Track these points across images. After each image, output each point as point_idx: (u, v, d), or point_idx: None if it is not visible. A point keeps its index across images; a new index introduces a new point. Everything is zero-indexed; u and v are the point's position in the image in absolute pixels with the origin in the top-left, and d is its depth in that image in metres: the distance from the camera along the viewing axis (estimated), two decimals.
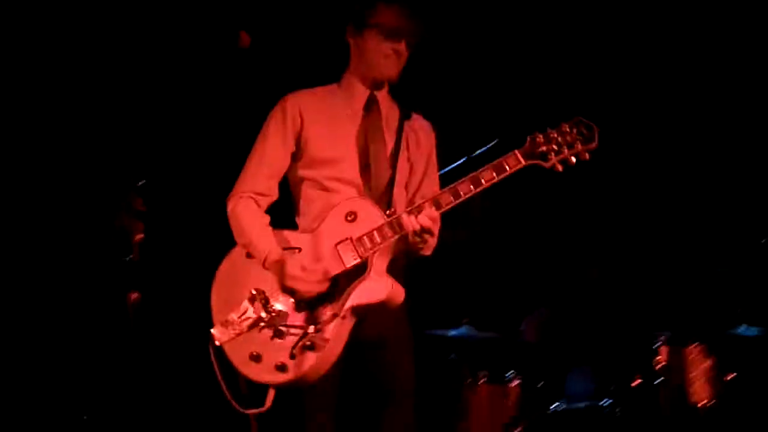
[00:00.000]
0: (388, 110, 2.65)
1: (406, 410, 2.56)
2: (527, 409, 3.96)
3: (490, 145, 3.59)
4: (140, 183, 2.46)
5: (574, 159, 2.35)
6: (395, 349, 2.57)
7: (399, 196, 2.59)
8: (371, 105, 2.63)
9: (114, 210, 2.43)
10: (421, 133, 2.69)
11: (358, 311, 2.42)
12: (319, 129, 2.57)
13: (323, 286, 2.40)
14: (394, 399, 2.54)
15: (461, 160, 3.68)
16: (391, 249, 2.47)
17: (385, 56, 2.53)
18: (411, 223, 2.38)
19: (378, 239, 2.41)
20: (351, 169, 2.55)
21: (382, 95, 2.66)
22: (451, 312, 4.27)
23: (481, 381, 4.02)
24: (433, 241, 2.51)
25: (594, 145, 2.33)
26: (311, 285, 2.40)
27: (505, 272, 4.74)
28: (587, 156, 2.34)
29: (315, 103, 2.61)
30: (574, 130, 2.36)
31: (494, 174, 2.38)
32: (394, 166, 2.57)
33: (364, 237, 2.42)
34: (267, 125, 2.59)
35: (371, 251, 2.41)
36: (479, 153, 3.73)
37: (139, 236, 2.38)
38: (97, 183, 4.04)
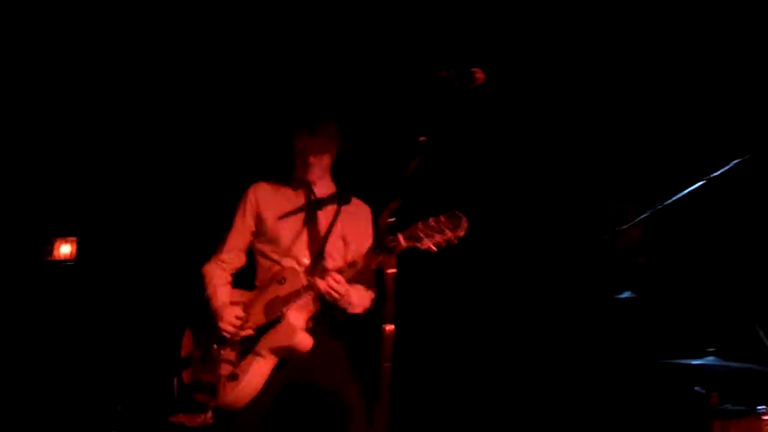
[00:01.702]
0: (327, 197, 3.34)
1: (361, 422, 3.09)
2: None
3: (731, 165, 3.44)
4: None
5: (443, 243, 2.78)
6: (331, 379, 3.19)
7: (330, 264, 3.21)
8: (310, 195, 3.36)
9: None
10: (358, 213, 3.36)
11: (274, 352, 3.09)
12: (270, 213, 3.34)
13: (248, 332, 3.16)
14: (352, 412, 3.11)
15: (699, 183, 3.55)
16: (308, 307, 3.13)
17: (302, 164, 3.30)
18: (322, 285, 3.05)
19: (295, 298, 3.10)
20: (291, 245, 3.27)
21: (322, 186, 3.37)
22: (694, 341, 4.08)
23: (731, 414, 3.77)
24: (352, 300, 3.16)
25: (461, 233, 2.75)
26: (237, 330, 3.18)
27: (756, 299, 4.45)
28: (455, 241, 2.77)
29: (270, 192, 3.40)
30: (447, 221, 2.77)
31: (380, 253, 2.85)
32: (325, 242, 3.20)
33: (286, 296, 3.13)
34: (236, 209, 3.42)
35: (286, 308, 3.10)
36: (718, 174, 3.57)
37: (392, 270, 2.50)
38: None
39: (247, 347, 3.15)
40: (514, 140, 4.56)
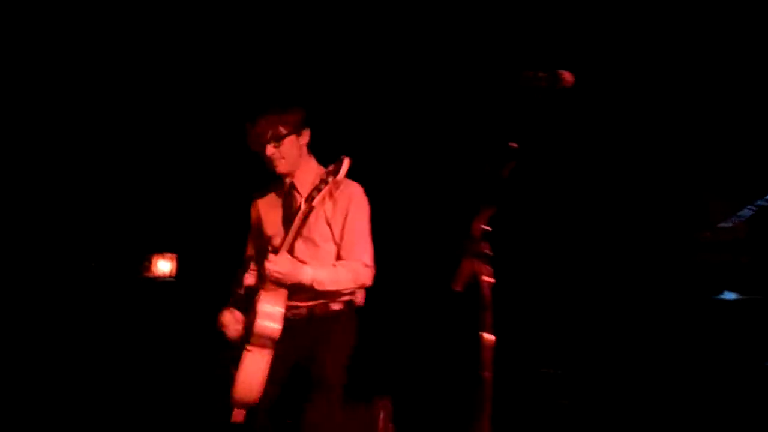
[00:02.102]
0: (307, 186, 3.27)
1: (331, 398, 3.13)
2: None
3: None
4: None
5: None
6: (323, 354, 3.19)
7: (304, 251, 3.26)
8: (290, 190, 3.39)
9: (461, 254, 2.57)
10: (339, 198, 3.32)
11: (254, 343, 3.08)
12: (264, 216, 3.44)
13: (239, 330, 3.27)
14: (320, 387, 3.13)
15: None
16: (278, 292, 3.12)
17: (269, 163, 3.32)
18: (264, 268, 3.11)
19: (261, 286, 3.15)
20: (273, 238, 3.30)
21: (303, 173, 3.37)
22: None
23: None
24: (301, 279, 3.13)
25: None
26: (232, 331, 3.29)
27: None
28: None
29: (265, 199, 3.49)
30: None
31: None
32: (298, 226, 3.16)
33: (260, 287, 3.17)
34: None
35: (256, 297, 3.15)
36: None
37: (489, 280, 2.47)
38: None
39: (243, 345, 3.23)
40: (611, 139, 4.46)
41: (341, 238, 3.32)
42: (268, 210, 3.46)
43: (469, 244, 2.63)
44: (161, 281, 5.34)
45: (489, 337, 2.42)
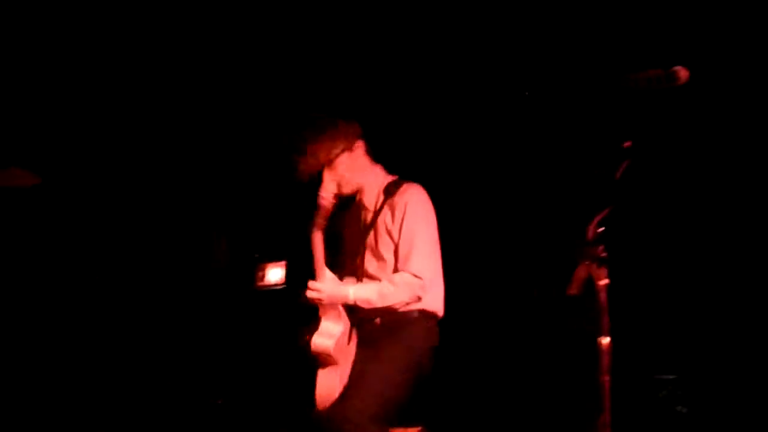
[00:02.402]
0: (374, 198, 3.23)
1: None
2: None
3: None
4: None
5: None
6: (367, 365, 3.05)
7: (374, 266, 3.18)
8: (359, 203, 3.31)
9: (576, 257, 2.54)
10: (396, 206, 3.17)
11: (318, 362, 3.07)
12: (342, 232, 3.36)
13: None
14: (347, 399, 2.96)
15: None
16: (335, 311, 3.08)
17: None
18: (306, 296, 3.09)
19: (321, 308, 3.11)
20: (349, 256, 3.24)
21: (369, 188, 3.27)
22: None
23: None
24: (334, 300, 3.06)
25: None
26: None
27: None
28: None
29: (343, 213, 3.37)
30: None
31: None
32: (366, 244, 3.17)
33: None
34: None
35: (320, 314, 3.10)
36: None
37: (605, 282, 2.43)
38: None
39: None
40: (726, 136, 4.30)
41: (396, 248, 3.20)
42: (344, 226, 3.42)
43: (583, 247, 2.60)
44: (271, 289, 5.45)
45: (606, 340, 2.38)
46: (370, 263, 3.20)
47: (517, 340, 4.43)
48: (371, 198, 3.28)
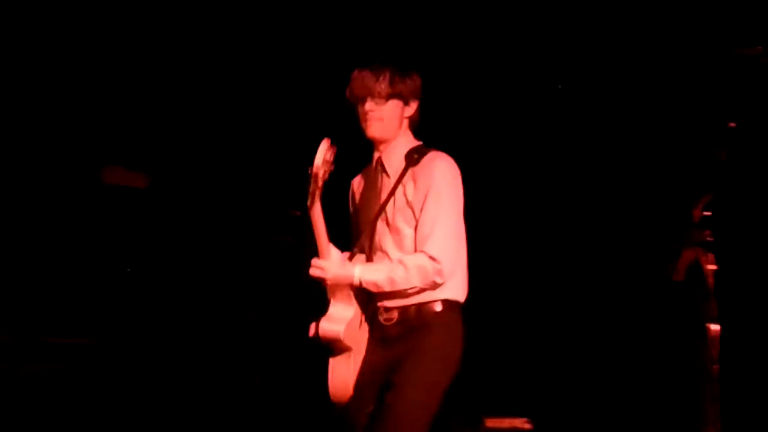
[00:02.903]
0: (396, 163, 2.86)
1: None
2: None
3: None
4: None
5: None
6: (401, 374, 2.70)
7: (389, 241, 2.83)
8: (377, 166, 2.90)
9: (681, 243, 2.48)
10: (421, 174, 2.81)
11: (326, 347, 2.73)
12: (358, 200, 2.99)
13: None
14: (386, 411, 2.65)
15: None
16: (345, 293, 2.74)
17: (362, 119, 2.82)
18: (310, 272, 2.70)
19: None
20: (362, 227, 2.88)
21: (395, 148, 2.87)
22: None
23: None
24: (338, 280, 2.70)
25: None
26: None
27: None
28: None
29: (360, 178, 2.99)
30: None
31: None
32: (380, 213, 2.81)
33: None
34: None
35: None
36: None
37: (712, 267, 2.37)
38: None
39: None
40: None
41: (416, 224, 2.84)
42: (360, 193, 3.00)
43: (689, 232, 2.53)
44: None
45: (715, 327, 2.31)
46: (383, 237, 2.86)
47: (620, 330, 4.32)
48: (393, 162, 2.91)
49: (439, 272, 2.72)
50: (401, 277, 2.73)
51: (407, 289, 2.74)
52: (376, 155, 2.92)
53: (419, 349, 2.74)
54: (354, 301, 2.79)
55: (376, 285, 2.74)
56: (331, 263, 2.71)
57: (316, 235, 2.71)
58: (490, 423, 3.80)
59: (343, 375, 2.77)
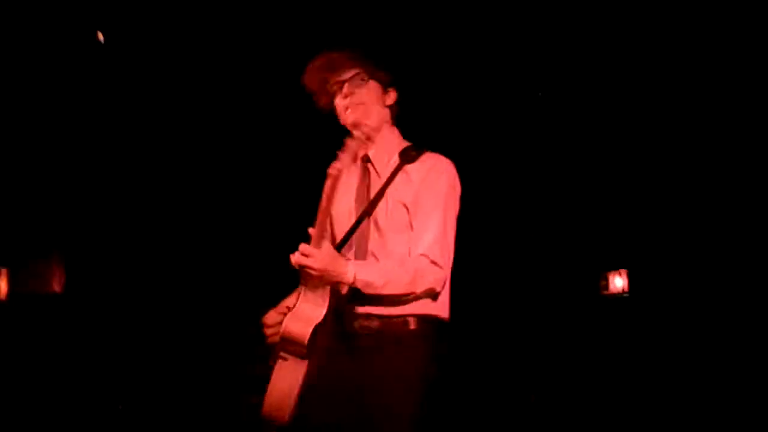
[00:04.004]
0: (386, 161, 2.65)
1: None
2: None
3: None
4: None
5: None
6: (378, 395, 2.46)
7: (377, 243, 2.57)
8: (365, 165, 2.68)
9: None
10: (417, 175, 2.59)
11: (283, 346, 2.42)
12: (337, 194, 2.52)
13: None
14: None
15: None
16: (315, 287, 2.42)
17: (341, 111, 2.63)
18: (293, 258, 2.37)
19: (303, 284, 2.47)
20: (341, 225, 2.67)
21: (378, 150, 2.65)
22: None
23: None
24: (341, 276, 2.40)
25: None
26: (272, 335, 2.61)
27: None
28: None
29: (339, 169, 2.44)
30: None
31: None
32: (368, 213, 2.57)
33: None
34: None
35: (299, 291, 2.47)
36: None
37: None
38: None
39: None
40: None
41: (412, 226, 2.55)
42: (341, 187, 2.52)
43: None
44: (615, 298, 5.27)
45: None
46: (369, 237, 2.56)
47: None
48: (382, 160, 2.64)
49: (440, 280, 2.48)
50: (399, 279, 2.44)
51: (399, 296, 2.43)
52: (360, 151, 2.62)
53: (401, 376, 2.47)
54: (327, 301, 2.44)
55: (369, 285, 2.42)
56: (322, 253, 2.35)
57: (318, 218, 2.41)
58: None
59: (286, 385, 2.41)
